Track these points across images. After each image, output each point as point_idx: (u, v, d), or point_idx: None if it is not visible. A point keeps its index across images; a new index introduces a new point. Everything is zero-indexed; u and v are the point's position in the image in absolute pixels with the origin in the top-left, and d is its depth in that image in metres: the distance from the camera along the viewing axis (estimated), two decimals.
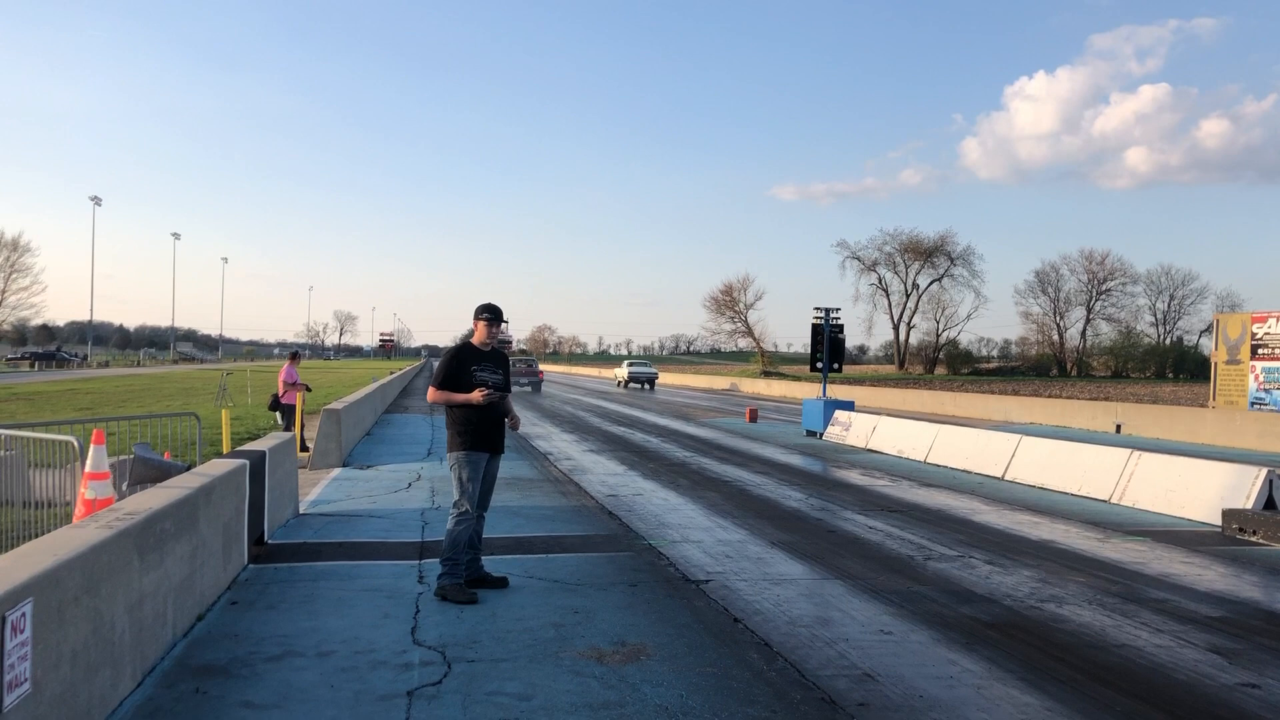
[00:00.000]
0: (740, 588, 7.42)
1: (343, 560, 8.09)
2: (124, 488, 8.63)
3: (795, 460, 17.54)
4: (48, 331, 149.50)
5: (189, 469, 7.78)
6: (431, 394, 7.18)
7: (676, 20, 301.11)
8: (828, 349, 23.39)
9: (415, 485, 12.66)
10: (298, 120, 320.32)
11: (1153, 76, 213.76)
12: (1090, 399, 43.46)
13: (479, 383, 7.01)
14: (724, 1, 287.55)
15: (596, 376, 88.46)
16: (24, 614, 3.44)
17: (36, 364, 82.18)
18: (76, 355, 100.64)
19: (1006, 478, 14.78)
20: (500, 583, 7.20)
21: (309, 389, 17.36)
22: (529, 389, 44.34)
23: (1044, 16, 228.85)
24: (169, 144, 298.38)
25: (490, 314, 7.21)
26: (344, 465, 14.83)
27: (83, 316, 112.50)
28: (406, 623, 6.19)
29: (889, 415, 23.71)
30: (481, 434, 7.09)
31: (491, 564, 7.64)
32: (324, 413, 15.60)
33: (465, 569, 7.08)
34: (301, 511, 10.57)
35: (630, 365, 59.67)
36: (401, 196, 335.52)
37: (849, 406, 22.82)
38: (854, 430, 20.90)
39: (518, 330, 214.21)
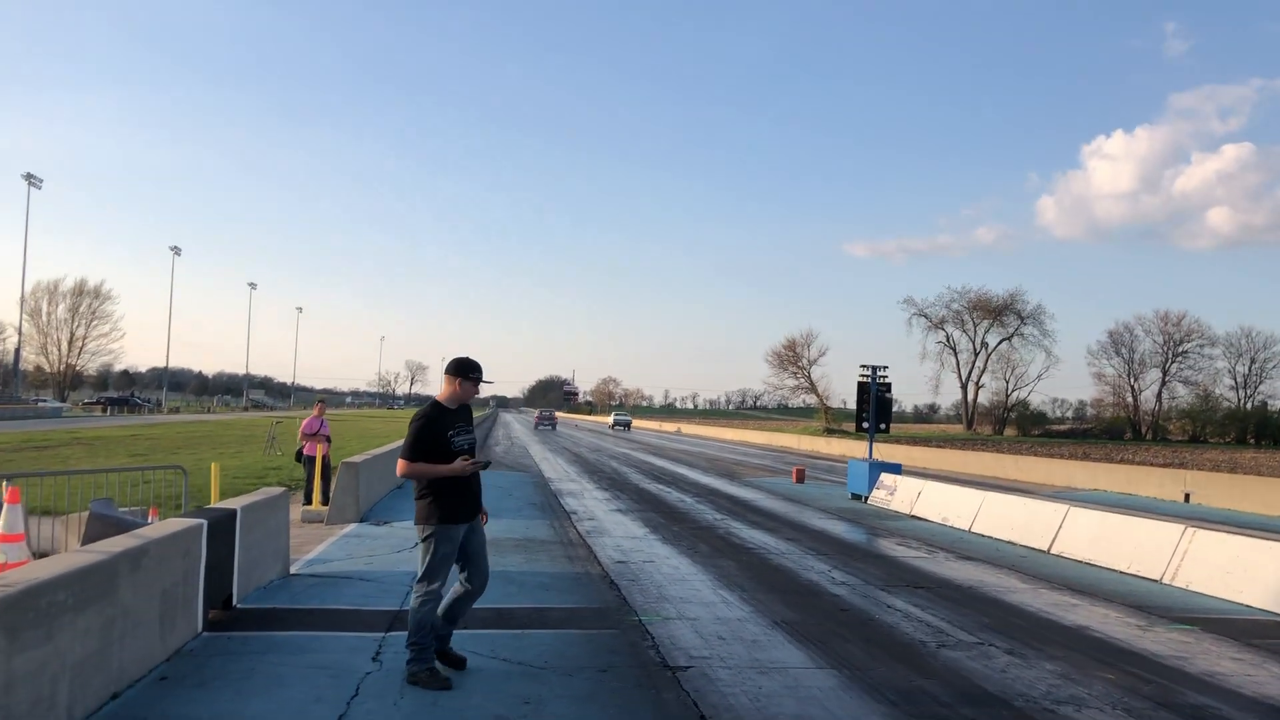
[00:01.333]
0: (721, 677, 6.73)
1: (304, 630, 7.59)
2: (78, 548, 8.22)
3: (830, 526, 16.70)
4: (129, 377, 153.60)
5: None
6: (403, 468, 6.35)
7: (750, 77, 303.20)
8: (874, 408, 22.45)
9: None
10: (373, 172, 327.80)
11: (1235, 136, 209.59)
12: (1161, 465, 41.74)
13: (458, 449, 6.35)
14: (799, 59, 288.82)
15: (594, 421, 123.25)
16: None
17: (109, 409, 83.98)
18: (149, 401, 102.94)
19: (1052, 551, 13.79)
20: (457, 663, 6.61)
21: (329, 440, 17.01)
22: (549, 428, 71.66)
23: (1123, 75, 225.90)
24: (248, 195, 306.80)
25: (476, 371, 6.62)
26: (361, 520, 14.44)
27: (163, 363, 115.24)
28: (336, 708, 5.64)
29: (946, 478, 22.71)
30: (463, 503, 6.42)
31: (460, 640, 7.06)
32: (342, 466, 15.24)
33: (438, 643, 6.53)
34: (293, 572, 10.13)
35: (615, 414, 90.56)
36: (471, 249, 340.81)
37: (896, 469, 21.84)
38: (899, 495, 19.96)
39: (584, 383, 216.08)
